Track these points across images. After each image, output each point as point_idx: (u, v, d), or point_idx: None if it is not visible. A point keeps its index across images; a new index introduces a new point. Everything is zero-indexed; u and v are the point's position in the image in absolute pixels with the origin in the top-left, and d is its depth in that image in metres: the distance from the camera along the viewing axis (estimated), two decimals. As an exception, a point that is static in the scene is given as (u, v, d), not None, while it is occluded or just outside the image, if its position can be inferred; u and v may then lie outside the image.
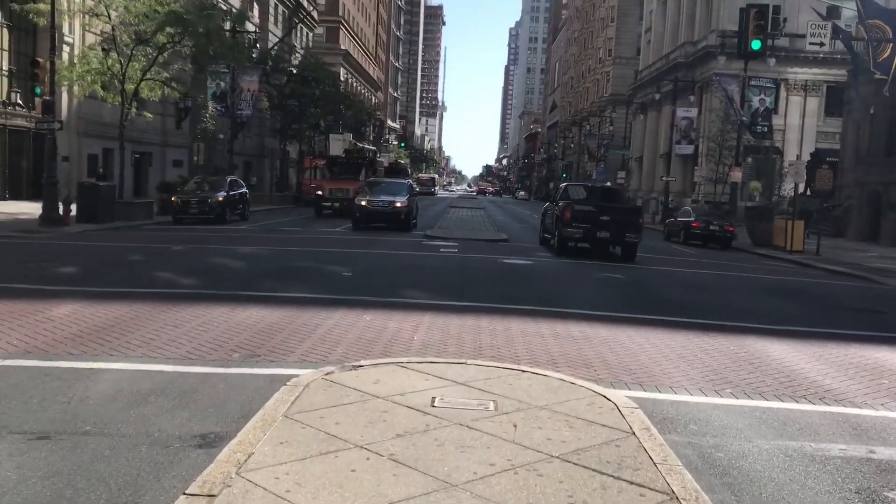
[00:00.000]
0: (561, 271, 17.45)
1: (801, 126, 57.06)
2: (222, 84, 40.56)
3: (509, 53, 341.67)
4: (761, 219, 32.83)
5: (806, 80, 56.72)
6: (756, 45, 26.54)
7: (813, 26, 26.56)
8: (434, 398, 6.10)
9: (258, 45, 43.60)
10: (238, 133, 55.57)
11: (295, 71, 55.69)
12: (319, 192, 36.34)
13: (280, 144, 56.94)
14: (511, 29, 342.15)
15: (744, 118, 35.93)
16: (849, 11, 46.28)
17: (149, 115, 31.24)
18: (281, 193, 54.42)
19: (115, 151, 38.87)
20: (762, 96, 35.42)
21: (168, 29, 27.20)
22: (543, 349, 8.84)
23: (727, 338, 10.23)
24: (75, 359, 7.51)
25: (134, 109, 30.87)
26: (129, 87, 28.25)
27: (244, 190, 32.35)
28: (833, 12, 59.37)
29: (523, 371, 7.22)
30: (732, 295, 15.46)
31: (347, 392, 6.18)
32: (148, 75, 28.79)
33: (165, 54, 29.23)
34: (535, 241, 25.79)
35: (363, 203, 28.01)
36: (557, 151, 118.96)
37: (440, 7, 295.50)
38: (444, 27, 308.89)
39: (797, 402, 7.40)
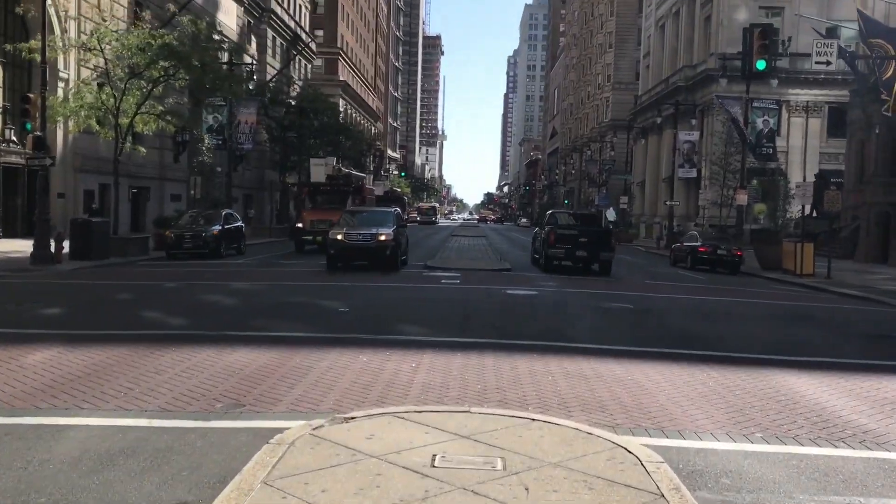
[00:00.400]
0: (568, 302, 16.79)
1: (803, 147, 56.64)
2: (219, 117, 40.18)
3: (508, 81, 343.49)
4: (769, 242, 32.19)
5: (807, 101, 56.38)
6: (761, 64, 26.09)
7: (819, 45, 26.10)
8: (434, 456, 5.43)
9: (255, 77, 43.29)
10: (237, 166, 55.48)
11: (294, 102, 55.42)
12: (300, 225, 32.74)
13: (280, 177, 56.54)
14: (509, 57, 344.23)
15: (750, 139, 35.42)
16: (848, 31, 46.13)
17: (142, 149, 30.73)
18: (281, 226, 53.89)
19: (112, 186, 38.65)
20: (765, 118, 34.94)
21: (161, 62, 26.78)
22: (553, 390, 8.17)
23: (749, 372, 9.55)
24: (43, 414, 6.86)
25: (129, 144, 30.44)
26: (124, 121, 27.80)
27: (240, 223, 31.79)
28: (833, 33, 59.33)
29: (533, 419, 6.53)
30: (749, 323, 14.79)
31: (337, 450, 5.50)
32: (143, 109, 28.35)
33: (160, 87, 28.81)
34: (541, 270, 25.15)
35: (338, 237, 23.27)
36: (559, 178, 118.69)
37: (438, 37, 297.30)
38: (442, 57, 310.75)
39: (836, 446, 6.71)
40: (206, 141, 38.49)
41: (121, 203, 34.50)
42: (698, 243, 31.47)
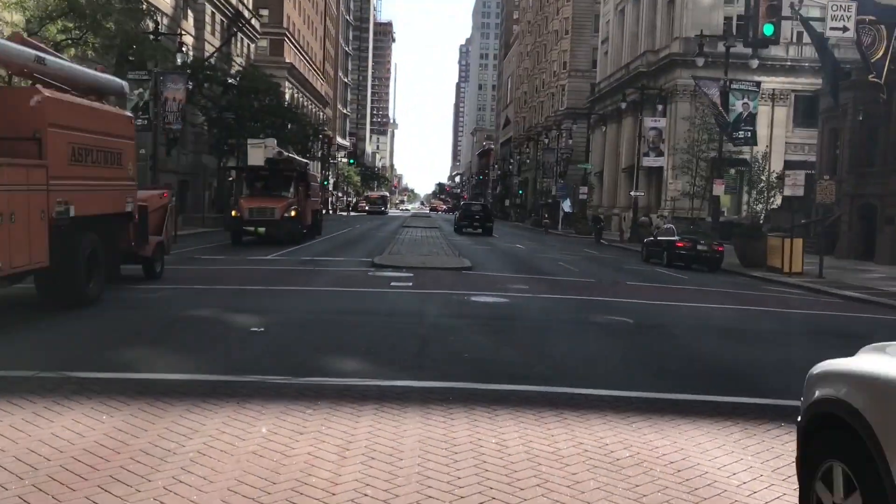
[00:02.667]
0: (550, 314, 13.44)
1: (769, 137, 54.33)
2: (144, 93, 35.95)
3: (460, 71, 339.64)
4: (752, 237, 29.41)
5: (773, 90, 54.06)
6: (769, 29, 22.90)
7: (834, 8, 23.16)
8: None
9: (187, 52, 39.10)
10: (170, 150, 51.06)
11: (231, 81, 51.11)
12: (236, 213, 29.08)
13: (219, 162, 52.25)
14: (461, 46, 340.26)
15: (727, 122, 32.58)
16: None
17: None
18: (218, 214, 49.69)
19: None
20: (745, 100, 32.17)
21: (64, 21, 22.76)
22: (578, 499, 4.79)
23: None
24: None
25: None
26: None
27: (162, 212, 27.81)
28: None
29: None
30: (783, 344, 11.64)
31: None
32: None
33: (67, 53, 24.67)
34: (508, 270, 21.89)
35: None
36: (513, 167, 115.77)
37: (390, 24, 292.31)
38: (394, 44, 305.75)
39: None
40: (128, 119, 34.19)
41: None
42: (676, 238, 28.49)
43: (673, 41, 55.89)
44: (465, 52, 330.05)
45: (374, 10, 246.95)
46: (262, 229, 28.23)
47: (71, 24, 23.26)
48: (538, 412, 6.67)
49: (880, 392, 3.43)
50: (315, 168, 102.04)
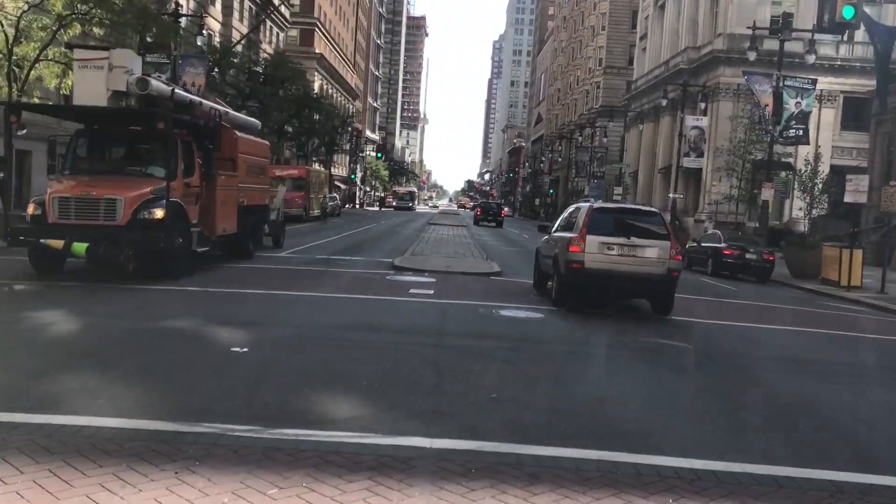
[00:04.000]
0: (592, 336, 11.50)
1: (815, 140, 51.72)
2: (163, 77, 34.31)
3: (493, 67, 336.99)
4: (804, 246, 27.14)
5: (821, 90, 51.34)
6: (848, 12, 20.40)
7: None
8: None
9: (205, 33, 37.50)
10: (194, 138, 49.66)
11: (256, 68, 49.54)
12: (34, 211, 14.14)
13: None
14: (495, 42, 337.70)
15: (777, 120, 30.28)
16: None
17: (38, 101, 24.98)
18: (238, 206, 48.20)
19: (34, 154, 32.81)
20: (799, 98, 29.86)
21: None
22: None
23: None
24: None
25: (37, 99, 24.88)
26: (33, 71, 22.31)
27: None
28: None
29: None
30: (880, 383, 9.60)
31: None
32: (50, 56, 22.73)
33: (72, 30, 23.08)
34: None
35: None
36: (544, 166, 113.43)
37: (423, 18, 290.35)
38: (426, 39, 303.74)
39: None
40: (144, 104, 32.65)
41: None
42: (722, 245, 26.34)
43: (716, 37, 53.47)
44: (498, 48, 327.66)
45: (408, 3, 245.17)
46: (81, 245, 13.28)
47: (75, -1, 21.60)
48: (596, 498, 4.75)
49: None
50: (342, 161, 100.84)
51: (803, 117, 30.03)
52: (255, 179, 19.39)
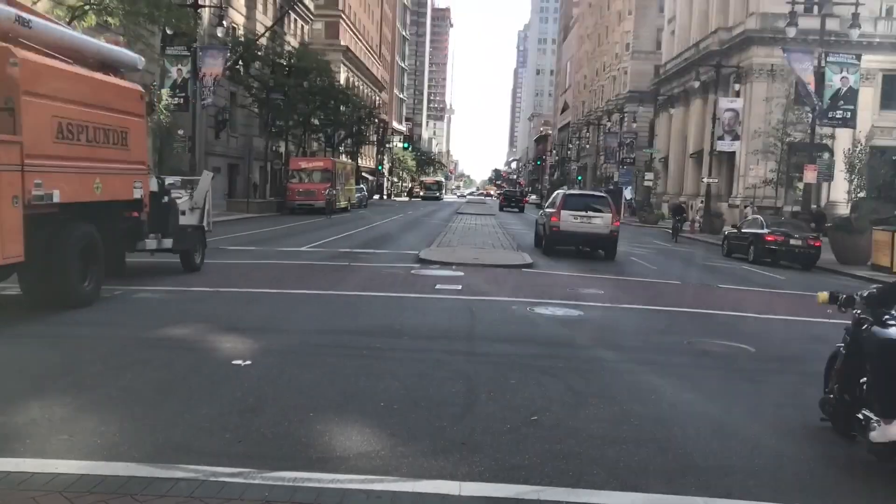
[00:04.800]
0: (638, 333, 10.37)
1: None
2: (182, 69, 33.63)
3: (518, 56, 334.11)
4: (851, 230, 25.64)
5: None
6: None
7: None
8: None
9: (225, 24, 36.63)
10: (219, 132, 48.97)
11: (280, 60, 48.64)
12: None
13: (266, 145, 49.94)
14: (520, 31, 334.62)
15: (818, 103, 28.71)
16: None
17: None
18: (262, 200, 47.45)
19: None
20: (844, 74, 28.20)
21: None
22: None
23: None
24: None
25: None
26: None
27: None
28: None
29: None
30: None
31: None
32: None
33: (87, 20, 22.23)
34: (576, 268, 18.72)
35: None
36: (571, 153, 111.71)
37: (448, 10, 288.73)
38: (451, 29, 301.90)
39: None
40: (164, 98, 31.94)
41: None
42: (765, 230, 24.92)
43: (749, 17, 51.66)
44: (523, 37, 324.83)
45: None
46: None
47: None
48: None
49: None
50: (370, 152, 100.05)
51: (851, 96, 28.38)
52: (98, 153, 10.81)
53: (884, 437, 4.99)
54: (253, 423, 5.60)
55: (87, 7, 21.60)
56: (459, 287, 13.72)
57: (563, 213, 21.98)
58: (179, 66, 33.92)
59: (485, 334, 9.72)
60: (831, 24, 43.28)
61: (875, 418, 5.10)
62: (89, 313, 10.03)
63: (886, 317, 5.41)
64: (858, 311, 5.88)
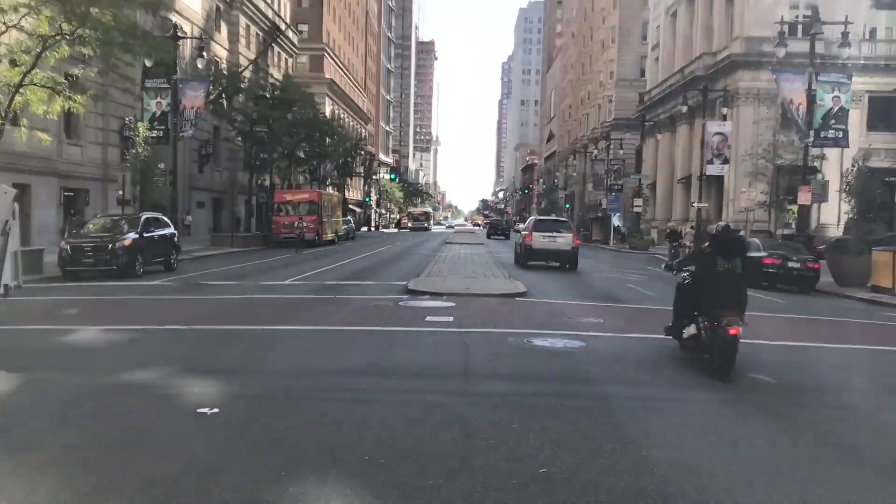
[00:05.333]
0: (646, 365, 9.58)
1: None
2: (162, 103, 32.92)
3: (502, 87, 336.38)
4: (850, 252, 25.05)
5: (845, 90, 49.31)
6: None
7: None
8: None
9: (207, 56, 36.00)
10: (203, 166, 48.22)
11: (263, 93, 48.05)
12: None
13: (251, 179, 49.17)
14: (503, 63, 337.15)
15: (801, 125, 28.28)
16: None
17: (24, 129, 23.36)
18: (247, 234, 46.58)
19: (34, 188, 31.30)
20: (836, 93, 27.80)
21: (45, 12, 19.59)
22: None
23: None
24: None
25: (24, 129, 23.33)
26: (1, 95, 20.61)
27: (170, 230, 24.43)
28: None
29: None
30: None
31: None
32: (34, 80, 21.10)
33: (59, 53, 21.45)
34: (571, 296, 17.94)
35: None
36: (558, 181, 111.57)
37: (432, 42, 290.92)
38: (436, 62, 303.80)
39: None
40: (142, 131, 31.17)
41: (46, 208, 27.31)
42: (762, 253, 24.28)
43: (733, 41, 51.69)
44: (507, 68, 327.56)
45: (416, 28, 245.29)
46: None
47: (48, 14, 19.99)
48: None
49: None
50: (357, 184, 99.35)
51: (842, 116, 27.95)
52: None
53: (687, 333, 9.83)
54: (213, 487, 4.75)
55: (58, 37, 20.84)
56: (451, 319, 12.90)
57: (535, 234, 27.60)
58: (159, 99, 33.24)
59: (480, 371, 8.89)
60: (817, 47, 43.24)
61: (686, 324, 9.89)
62: (47, 355, 9.16)
63: (685, 273, 10.54)
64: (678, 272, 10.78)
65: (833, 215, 47.49)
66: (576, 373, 8.99)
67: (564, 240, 27.17)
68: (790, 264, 23.73)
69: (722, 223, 10.11)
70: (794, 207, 42.77)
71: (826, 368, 10.07)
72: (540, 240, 27.23)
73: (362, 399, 7.28)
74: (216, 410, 6.65)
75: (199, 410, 6.63)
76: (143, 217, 23.22)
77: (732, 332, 8.70)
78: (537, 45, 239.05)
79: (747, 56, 49.48)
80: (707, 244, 9.97)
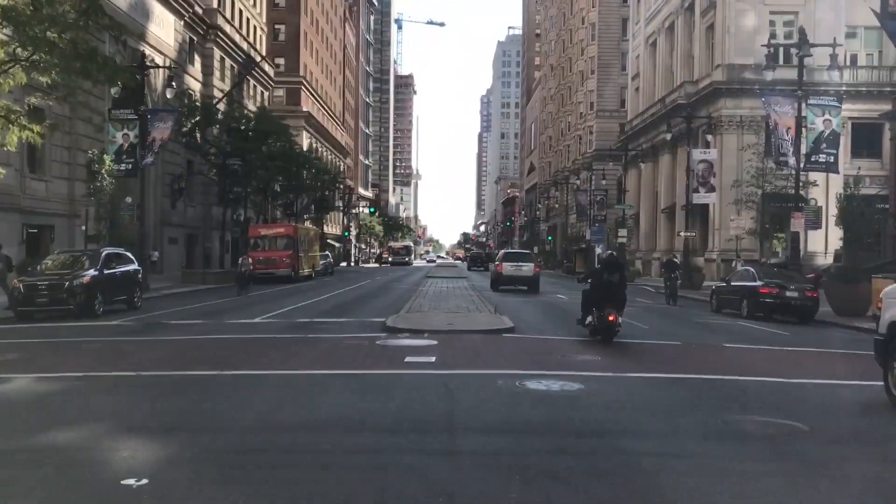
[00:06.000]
0: (657, 410, 8.35)
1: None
2: (130, 135, 31.61)
3: (482, 121, 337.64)
4: (848, 280, 24.06)
5: (828, 117, 48.83)
6: None
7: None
8: None
9: (174, 84, 34.80)
10: (176, 202, 46.82)
11: (237, 125, 46.88)
12: None
13: (224, 213, 47.79)
14: (482, 96, 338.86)
15: (789, 150, 27.54)
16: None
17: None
18: (220, 270, 45.10)
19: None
20: (827, 116, 27.04)
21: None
22: None
23: None
24: None
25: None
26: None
27: (133, 267, 23.00)
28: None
29: None
30: None
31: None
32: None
33: (15, 80, 20.17)
34: (562, 331, 16.71)
35: None
36: (540, 213, 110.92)
37: (411, 76, 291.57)
38: (415, 96, 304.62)
39: None
40: (108, 163, 29.83)
41: (8, 245, 25.81)
42: (758, 283, 23.21)
43: (715, 69, 51.31)
44: (486, 101, 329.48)
45: (395, 63, 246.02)
46: None
47: (1, 37, 18.79)
48: None
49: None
50: (335, 219, 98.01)
51: (834, 140, 27.19)
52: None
53: (587, 321, 14.60)
54: None
55: (12, 63, 19.59)
56: (433, 359, 11.62)
57: (504, 263, 34.05)
58: (126, 131, 31.89)
59: (468, 422, 7.60)
60: (794, 74, 42.90)
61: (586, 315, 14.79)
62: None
63: (587, 284, 15.04)
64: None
65: (820, 243, 46.83)
66: (579, 423, 7.71)
67: (528, 268, 33.65)
68: (788, 293, 22.66)
69: (608, 251, 15.35)
70: (783, 235, 42.16)
71: (857, 411, 8.90)
72: (508, 268, 33.54)
73: (326, 463, 5.99)
74: (144, 482, 5.34)
75: (123, 482, 5.32)
76: (105, 253, 21.83)
77: (611, 318, 14.02)
78: (516, 77, 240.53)
79: (729, 84, 49.10)
80: (599, 265, 16.51)
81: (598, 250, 62.96)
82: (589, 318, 14.50)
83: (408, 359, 11.67)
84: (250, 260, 34.60)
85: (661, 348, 14.28)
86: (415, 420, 7.63)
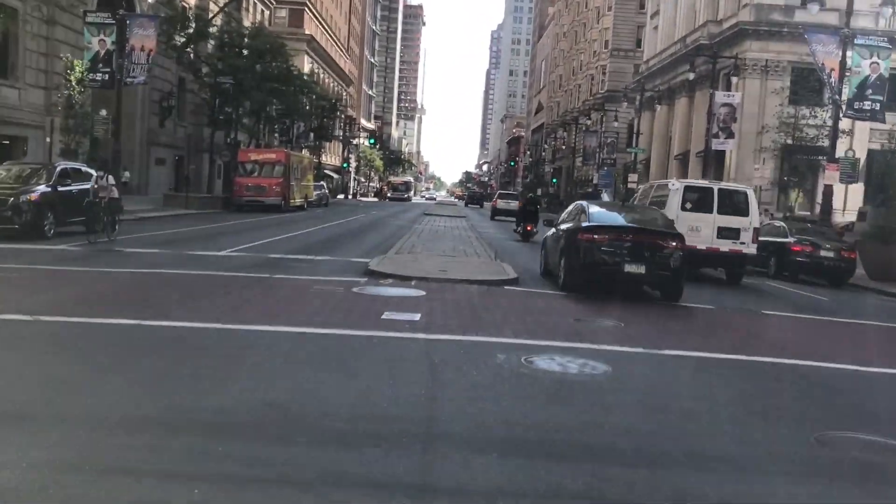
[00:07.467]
0: (713, 409, 6.05)
1: (851, 122, 46.42)
2: (106, 41, 28.78)
3: (491, 57, 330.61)
4: (886, 241, 21.66)
5: (857, 66, 45.81)
6: None
7: None
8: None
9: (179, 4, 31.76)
10: (164, 119, 44.10)
11: (229, 40, 43.75)
12: None
13: (212, 135, 45.01)
14: (493, 32, 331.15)
15: (834, 94, 24.92)
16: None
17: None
18: (207, 195, 42.60)
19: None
20: (874, 59, 24.31)
21: None
22: None
23: None
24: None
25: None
26: None
27: (88, 185, 20.40)
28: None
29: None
30: None
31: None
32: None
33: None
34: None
35: None
36: (546, 155, 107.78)
37: (420, 6, 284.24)
38: (424, 28, 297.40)
39: None
40: (78, 70, 27.13)
41: None
42: (789, 240, 20.85)
43: (742, 8, 48.01)
44: (496, 37, 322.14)
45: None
46: None
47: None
48: None
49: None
50: (335, 149, 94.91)
51: (881, 85, 24.49)
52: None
53: (518, 231, 28.91)
54: None
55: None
56: (417, 317, 9.24)
57: (498, 200, 52.05)
58: (102, 37, 29.08)
59: (453, 427, 5.24)
60: (830, 18, 39.81)
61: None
62: None
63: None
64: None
65: (839, 200, 44.42)
66: (614, 434, 5.36)
67: (514, 204, 43.34)
68: (822, 253, 20.31)
69: (528, 194, 39.24)
70: (801, 189, 39.70)
71: None
72: (500, 203, 49.79)
73: (240, 485, 3.68)
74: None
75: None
76: (59, 168, 19.28)
77: (529, 228, 27.03)
78: (528, 13, 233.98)
79: (757, 24, 45.89)
80: (524, 203, 30.12)
81: (605, 196, 60.41)
82: (518, 229, 27.79)
83: (386, 315, 9.30)
84: (108, 183, 19.28)
85: (692, 313, 11.94)
86: (378, 418, 5.27)
